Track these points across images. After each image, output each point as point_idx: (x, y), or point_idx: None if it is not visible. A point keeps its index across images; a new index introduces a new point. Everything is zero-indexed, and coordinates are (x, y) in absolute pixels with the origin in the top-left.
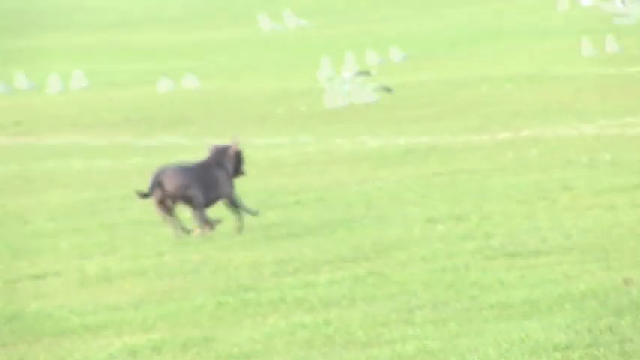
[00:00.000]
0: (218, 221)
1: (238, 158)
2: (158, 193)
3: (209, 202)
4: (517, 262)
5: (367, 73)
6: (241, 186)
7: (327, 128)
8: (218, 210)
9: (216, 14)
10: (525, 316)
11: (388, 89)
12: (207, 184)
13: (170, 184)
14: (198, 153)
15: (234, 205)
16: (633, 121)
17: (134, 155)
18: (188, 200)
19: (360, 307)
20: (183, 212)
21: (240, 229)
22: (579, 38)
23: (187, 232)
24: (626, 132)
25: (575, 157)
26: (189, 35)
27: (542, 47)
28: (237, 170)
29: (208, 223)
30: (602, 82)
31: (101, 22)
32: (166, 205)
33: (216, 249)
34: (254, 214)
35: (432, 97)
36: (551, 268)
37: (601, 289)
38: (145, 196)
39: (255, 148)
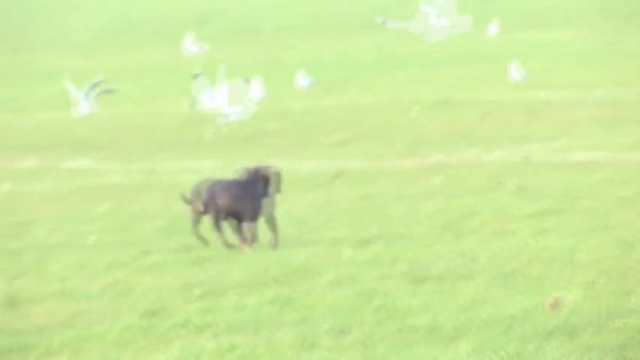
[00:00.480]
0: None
1: (278, 179)
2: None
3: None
4: (422, 288)
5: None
6: (148, 211)
7: (232, 153)
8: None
9: (122, 39)
10: (430, 342)
11: (110, 90)
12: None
13: (221, 200)
14: (105, 177)
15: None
16: (538, 148)
17: (40, 180)
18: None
19: (265, 333)
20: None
21: (276, 245)
22: (484, 64)
23: (206, 243)
24: (532, 158)
25: (481, 183)
26: (95, 60)
27: (448, 73)
28: (278, 189)
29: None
30: (507, 108)
31: (5, 46)
32: (202, 216)
33: (122, 274)
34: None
35: (339, 123)
36: (456, 293)
37: (506, 316)
38: (188, 203)
39: (160, 173)
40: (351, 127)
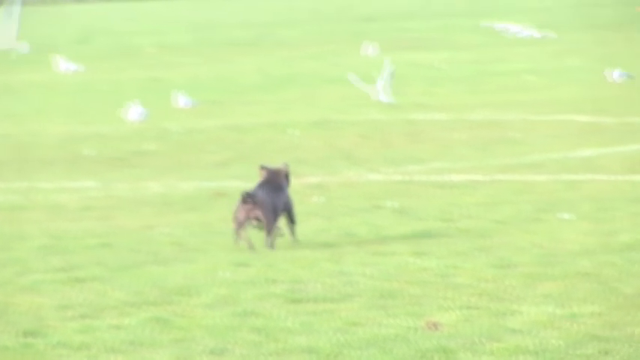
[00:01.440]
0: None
1: (287, 178)
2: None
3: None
4: (300, 309)
5: None
6: (26, 231)
7: (111, 173)
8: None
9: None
10: None
11: None
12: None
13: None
14: None
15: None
16: (417, 169)
17: None
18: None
19: (143, 353)
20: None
21: (296, 241)
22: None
23: (253, 248)
24: (411, 179)
25: (359, 204)
26: None
27: (326, 94)
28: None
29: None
30: (386, 128)
31: None
32: (245, 220)
33: (0, 294)
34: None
35: (218, 143)
36: (334, 314)
37: (384, 336)
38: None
39: (38, 193)
40: (231, 147)
